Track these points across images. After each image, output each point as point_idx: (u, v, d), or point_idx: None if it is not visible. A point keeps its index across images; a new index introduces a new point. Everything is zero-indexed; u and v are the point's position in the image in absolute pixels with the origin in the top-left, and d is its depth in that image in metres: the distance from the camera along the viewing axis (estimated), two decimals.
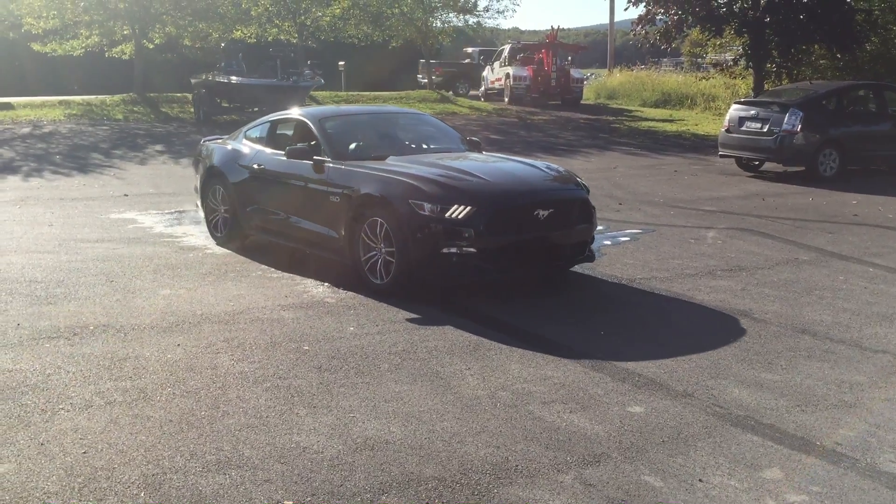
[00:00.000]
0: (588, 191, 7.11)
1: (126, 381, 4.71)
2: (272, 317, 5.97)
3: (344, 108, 9.87)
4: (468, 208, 6.24)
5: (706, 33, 23.18)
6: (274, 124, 8.39)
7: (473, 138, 8.45)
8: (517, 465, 3.70)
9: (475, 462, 3.74)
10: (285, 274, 7.20)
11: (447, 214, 6.23)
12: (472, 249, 6.24)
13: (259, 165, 7.91)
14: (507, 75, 28.96)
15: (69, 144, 17.61)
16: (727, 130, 14.48)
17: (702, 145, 19.04)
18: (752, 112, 14.18)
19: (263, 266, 7.48)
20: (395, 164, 6.98)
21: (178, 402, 4.40)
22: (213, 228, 8.57)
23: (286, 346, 5.32)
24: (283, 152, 7.57)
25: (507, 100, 28.94)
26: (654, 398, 4.49)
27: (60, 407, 4.34)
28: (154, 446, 3.89)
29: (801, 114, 13.49)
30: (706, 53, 30.56)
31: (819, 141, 13.60)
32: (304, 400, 4.45)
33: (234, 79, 21.42)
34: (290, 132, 8.21)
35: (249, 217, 8.02)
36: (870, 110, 14.83)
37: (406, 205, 6.34)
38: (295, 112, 8.42)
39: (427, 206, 6.28)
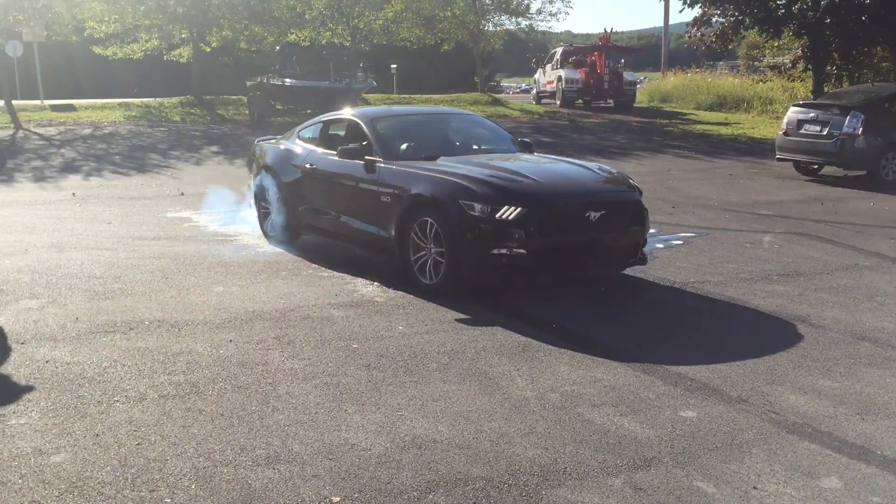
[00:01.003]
0: (641, 193, 7.00)
1: (179, 375, 4.79)
2: (322, 315, 6.01)
3: (395, 108, 9.90)
4: (518, 209, 6.20)
5: (764, 35, 22.73)
6: (326, 124, 8.46)
7: (525, 139, 8.40)
8: (566, 468, 3.66)
9: (523, 463, 3.70)
10: (335, 272, 7.24)
11: (497, 215, 6.20)
12: (522, 251, 6.20)
13: (311, 165, 7.98)
14: (559, 78, 28.81)
15: (128, 145, 18.03)
16: (785, 133, 14.17)
17: (758, 149, 18.67)
18: (812, 115, 13.85)
19: (314, 265, 7.55)
20: (445, 164, 6.97)
21: (229, 397, 4.46)
22: (265, 227, 8.68)
23: (336, 344, 5.35)
24: (335, 152, 7.63)
25: (558, 102, 28.79)
26: (707, 403, 4.39)
27: (116, 399, 4.42)
28: (205, 439, 3.94)
29: (862, 116, 13.13)
30: (763, 56, 29.99)
31: (881, 144, 13.22)
32: (352, 397, 4.46)
33: (288, 81, 21.72)
34: (342, 132, 8.27)
35: (301, 216, 8.10)
36: None
37: (456, 205, 6.33)
38: (347, 112, 8.48)
39: (477, 206, 6.26)
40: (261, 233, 8.75)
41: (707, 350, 5.29)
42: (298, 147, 8.42)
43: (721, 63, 45.37)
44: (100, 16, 25.28)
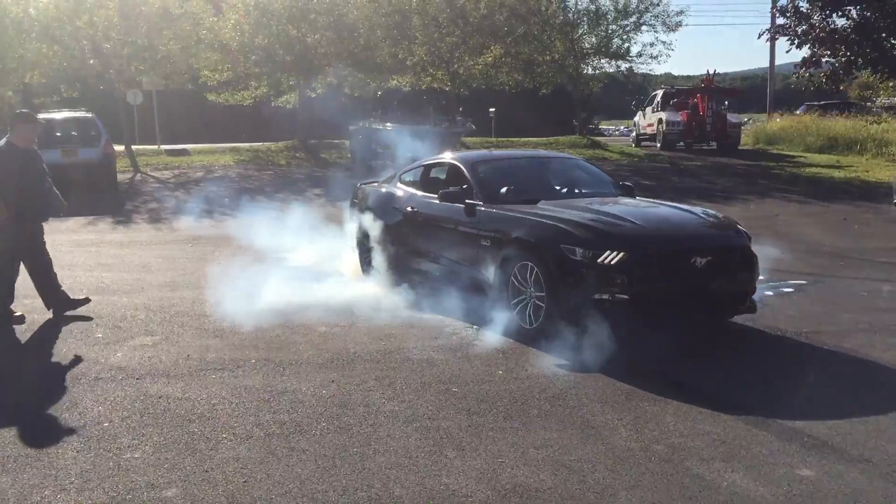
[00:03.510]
0: (749, 238, 6.78)
1: (283, 414, 4.88)
2: (422, 357, 6.03)
3: (496, 152, 9.95)
4: (621, 254, 6.10)
5: (878, 76, 21.88)
6: (427, 168, 8.58)
7: (626, 183, 8.28)
8: None
9: None
10: (435, 315, 7.26)
11: (599, 260, 6.12)
12: (624, 296, 6.08)
13: (412, 208, 8.09)
14: (660, 120, 28.44)
15: (237, 188, 18.75)
16: None
17: (873, 193, 17.84)
18: None
19: (414, 306, 7.58)
20: (546, 208, 6.95)
21: (331, 438, 4.50)
22: (366, 268, 8.81)
23: (436, 388, 5.35)
24: (436, 195, 7.71)
25: (658, 145, 28.39)
26: (825, 461, 4.15)
27: (223, 436, 4.54)
28: (308, 479, 3.98)
29: None
30: (877, 97, 28.84)
31: None
32: (453, 442, 4.44)
33: (389, 125, 22.21)
34: (442, 176, 8.36)
35: (402, 258, 8.19)
36: None
37: (557, 249, 6.28)
38: (447, 156, 8.58)
39: (579, 251, 6.19)
40: (362, 274, 8.89)
41: (824, 405, 5.02)
42: (400, 190, 8.56)
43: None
44: (214, 65, 26.62)
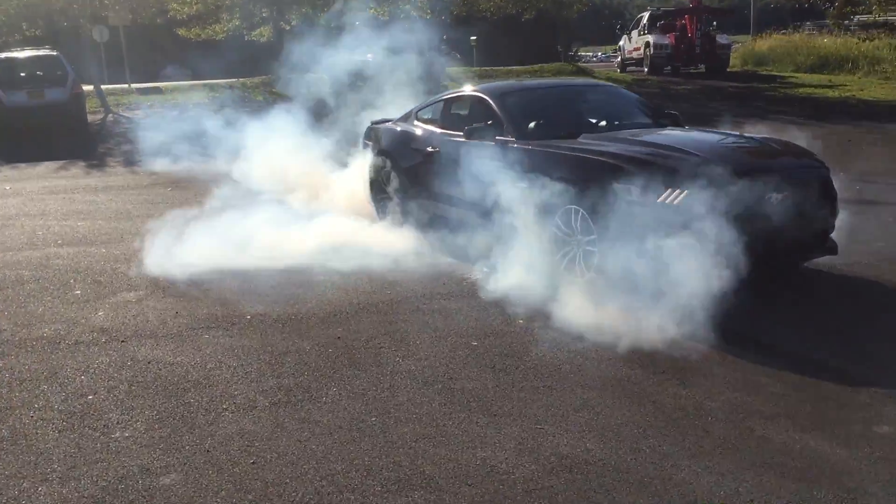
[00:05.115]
0: (829, 169, 5.94)
1: (288, 378, 4.39)
2: (433, 307, 5.54)
3: (525, 82, 9.11)
4: (685, 192, 5.24)
5: None
6: (447, 103, 7.78)
7: (671, 111, 7.47)
8: (753, 500, 3.08)
9: (698, 492, 3.14)
10: (453, 260, 6.63)
11: (659, 199, 5.27)
12: (690, 240, 5.34)
13: (433, 148, 7.35)
14: (647, 44, 27.57)
15: (214, 127, 17.91)
16: None
17: (872, 112, 17.35)
18: None
19: (435, 253, 6.86)
20: (589, 142, 6.11)
21: (345, 406, 4.03)
22: (380, 213, 8.14)
23: (452, 341, 4.86)
24: (460, 133, 6.97)
25: (646, 70, 27.60)
26: None
27: (224, 407, 4.05)
28: (325, 457, 3.51)
29: None
30: (856, 14, 28.15)
31: None
32: (482, 406, 3.97)
33: (370, 56, 21.31)
34: (465, 111, 7.58)
35: (423, 202, 7.45)
36: None
37: (609, 189, 5.44)
38: (469, 88, 7.85)
39: (635, 190, 5.35)
40: (375, 218, 8.15)
41: (883, 348, 4.57)
42: (418, 129, 7.77)
43: (808, 23, 43.07)
44: None
